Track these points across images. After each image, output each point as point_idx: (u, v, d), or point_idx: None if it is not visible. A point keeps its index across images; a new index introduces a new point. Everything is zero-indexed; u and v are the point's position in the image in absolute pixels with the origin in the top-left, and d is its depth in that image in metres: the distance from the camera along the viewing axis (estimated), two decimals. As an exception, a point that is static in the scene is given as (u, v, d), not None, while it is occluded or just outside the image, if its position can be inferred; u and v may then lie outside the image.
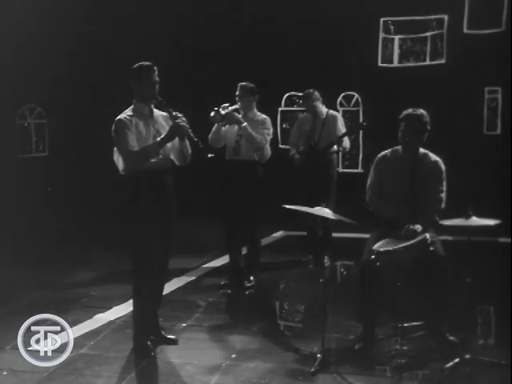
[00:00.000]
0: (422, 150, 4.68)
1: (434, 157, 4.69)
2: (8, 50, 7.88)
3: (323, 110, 6.93)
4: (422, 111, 4.60)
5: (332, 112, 6.99)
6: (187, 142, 4.46)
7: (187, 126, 4.31)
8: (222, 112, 5.80)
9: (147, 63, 4.43)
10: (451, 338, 4.41)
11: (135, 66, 4.44)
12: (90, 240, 7.91)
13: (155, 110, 4.51)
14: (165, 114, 4.50)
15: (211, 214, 6.71)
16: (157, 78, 4.40)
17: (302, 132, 7.03)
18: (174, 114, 4.35)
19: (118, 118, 4.36)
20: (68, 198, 8.55)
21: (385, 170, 4.71)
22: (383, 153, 4.80)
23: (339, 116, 7.08)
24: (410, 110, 4.61)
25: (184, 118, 4.32)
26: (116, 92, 6.85)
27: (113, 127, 4.36)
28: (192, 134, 4.36)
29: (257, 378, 4.02)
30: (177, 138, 4.40)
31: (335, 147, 6.78)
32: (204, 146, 4.43)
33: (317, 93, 6.89)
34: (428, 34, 9.01)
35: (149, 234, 4.34)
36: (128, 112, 4.40)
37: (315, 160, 6.70)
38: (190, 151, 4.53)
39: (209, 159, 4.40)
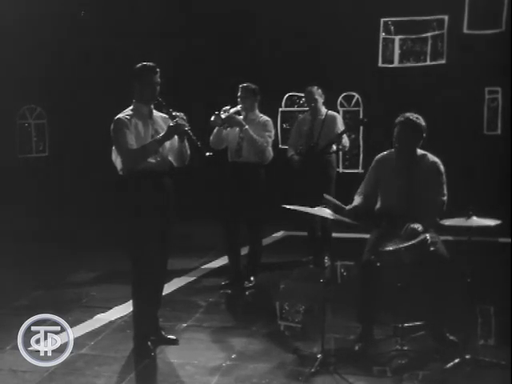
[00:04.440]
0: (420, 151, 4.64)
1: (432, 158, 4.64)
2: (8, 50, 7.88)
3: (323, 109, 6.90)
4: (417, 117, 4.51)
5: (331, 112, 6.94)
6: (186, 143, 4.46)
7: (186, 124, 4.31)
8: (223, 115, 5.77)
9: (150, 64, 4.41)
10: (451, 338, 4.41)
11: (137, 65, 4.43)
12: (90, 240, 7.90)
13: (154, 111, 4.50)
14: (164, 115, 4.49)
15: (211, 215, 6.69)
16: (158, 80, 4.39)
17: (301, 132, 7.01)
18: (173, 114, 4.34)
19: (117, 117, 4.35)
20: (68, 198, 8.54)
21: (383, 171, 4.70)
22: (381, 154, 4.78)
23: (339, 116, 7.04)
24: (406, 115, 4.52)
25: (184, 117, 4.32)
26: (115, 92, 6.84)
27: (112, 126, 4.35)
28: (191, 133, 4.35)
29: (257, 379, 4.02)
30: (176, 139, 4.40)
31: (334, 147, 6.76)
32: (202, 145, 4.42)
33: (320, 90, 6.87)
34: (428, 34, 9.00)
35: (148, 235, 4.34)
36: (127, 111, 4.39)
37: (314, 160, 6.68)
38: (188, 152, 4.53)
39: (207, 158, 4.39)
